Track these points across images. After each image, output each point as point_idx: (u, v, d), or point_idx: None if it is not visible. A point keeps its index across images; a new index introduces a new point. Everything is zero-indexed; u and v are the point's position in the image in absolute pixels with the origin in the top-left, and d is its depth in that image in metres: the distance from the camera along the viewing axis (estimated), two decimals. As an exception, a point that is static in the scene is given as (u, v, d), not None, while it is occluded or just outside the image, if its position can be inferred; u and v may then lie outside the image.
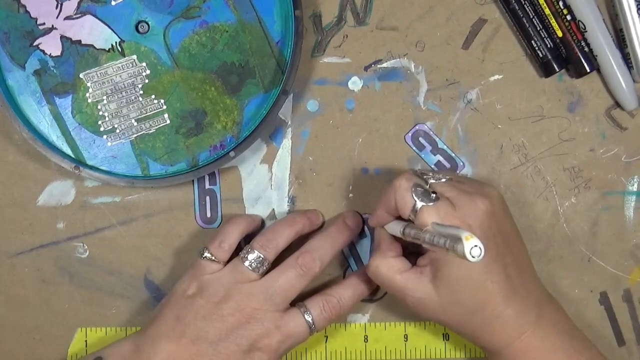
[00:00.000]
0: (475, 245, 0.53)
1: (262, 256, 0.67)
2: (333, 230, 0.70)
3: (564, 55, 0.71)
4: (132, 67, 0.69)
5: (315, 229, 0.71)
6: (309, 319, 0.67)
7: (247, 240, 0.70)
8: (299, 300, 0.68)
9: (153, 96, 0.69)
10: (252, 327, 0.66)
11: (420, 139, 0.72)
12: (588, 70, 0.70)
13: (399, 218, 0.65)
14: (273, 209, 0.72)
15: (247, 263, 0.67)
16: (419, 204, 0.63)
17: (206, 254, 0.68)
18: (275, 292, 0.66)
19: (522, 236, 0.67)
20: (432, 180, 0.65)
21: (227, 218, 0.71)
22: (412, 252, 0.67)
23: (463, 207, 0.62)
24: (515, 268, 0.64)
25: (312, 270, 0.67)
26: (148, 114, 0.69)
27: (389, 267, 0.65)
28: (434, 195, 0.63)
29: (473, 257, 0.53)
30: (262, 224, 0.72)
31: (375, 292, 0.72)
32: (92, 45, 0.69)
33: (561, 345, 0.64)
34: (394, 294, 0.66)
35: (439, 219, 0.62)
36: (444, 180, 0.65)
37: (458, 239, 0.54)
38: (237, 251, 0.68)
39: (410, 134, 0.72)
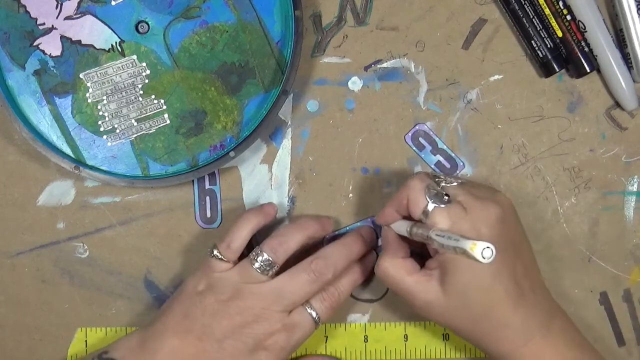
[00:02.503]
0: (487, 247, 0.54)
1: (271, 259, 0.67)
2: (349, 240, 0.69)
3: (564, 55, 0.71)
4: (132, 67, 0.69)
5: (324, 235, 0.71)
6: (313, 313, 0.67)
7: (262, 233, 0.69)
8: None
9: (153, 96, 0.69)
10: (258, 327, 0.66)
11: (420, 139, 0.72)
12: (588, 70, 0.70)
13: (407, 218, 0.65)
14: (273, 209, 0.72)
15: (256, 265, 0.66)
16: (431, 205, 0.63)
17: (215, 253, 0.68)
18: (286, 295, 0.66)
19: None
20: (444, 183, 0.65)
21: (235, 215, 0.71)
22: (417, 254, 0.67)
23: (474, 212, 0.63)
24: (524, 276, 0.64)
25: (325, 277, 0.67)
26: (148, 114, 0.69)
27: (398, 268, 0.65)
28: (447, 197, 0.63)
29: (484, 257, 0.54)
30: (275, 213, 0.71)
31: (371, 278, 0.72)
32: (92, 45, 0.69)
33: (571, 356, 0.64)
34: (401, 296, 0.66)
35: (450, 221, 0.62)
36: (455, 183, 0.65)
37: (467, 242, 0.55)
38: (250, 244, 0.68)
39: (410, 134, 0.72)
